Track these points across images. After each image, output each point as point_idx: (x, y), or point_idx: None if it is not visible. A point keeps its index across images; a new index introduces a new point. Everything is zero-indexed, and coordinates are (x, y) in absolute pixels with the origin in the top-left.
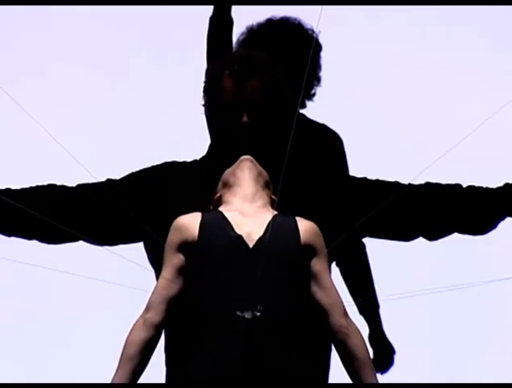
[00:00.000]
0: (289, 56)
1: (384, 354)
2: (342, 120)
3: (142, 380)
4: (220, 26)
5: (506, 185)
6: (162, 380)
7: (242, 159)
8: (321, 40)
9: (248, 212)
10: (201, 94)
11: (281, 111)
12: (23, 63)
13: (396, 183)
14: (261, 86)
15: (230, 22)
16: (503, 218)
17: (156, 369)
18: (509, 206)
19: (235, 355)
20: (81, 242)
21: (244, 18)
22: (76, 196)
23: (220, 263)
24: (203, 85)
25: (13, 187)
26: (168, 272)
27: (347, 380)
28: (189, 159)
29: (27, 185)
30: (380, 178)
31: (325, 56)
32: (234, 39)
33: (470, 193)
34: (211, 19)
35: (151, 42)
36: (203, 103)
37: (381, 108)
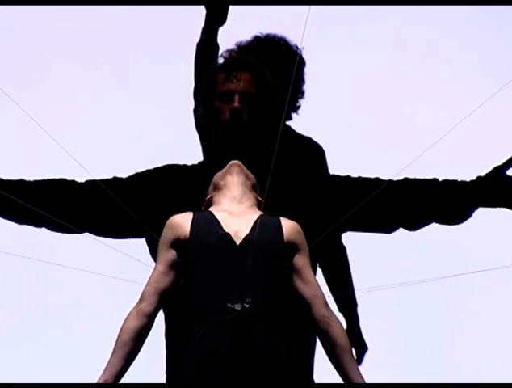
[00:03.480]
0: (275, 72)
1: (358, 350)
2: (329, 126)
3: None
4: (206, 51)
5: (478, 178)
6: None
7: (231, 164)
8: (305, 48)
9: (236, 212)
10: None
11: (270, 106)
12: (27, 69)
13: (377, 180)
14: (251, 78)
15: (216, 47)
16: (476, 208)
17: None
18: (481, 197)
19: (224, 343)
20: (85, 234)
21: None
22: (84, 191)
23: (210, 259)
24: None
25: (26, 179)
26: (161, 265)
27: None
28: (185, 161)
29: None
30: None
31: (309, 67)
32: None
33: (446, 186)
34: (199, 45)
35: (151, 46)
36: (196, 113)
37: (364, 115)
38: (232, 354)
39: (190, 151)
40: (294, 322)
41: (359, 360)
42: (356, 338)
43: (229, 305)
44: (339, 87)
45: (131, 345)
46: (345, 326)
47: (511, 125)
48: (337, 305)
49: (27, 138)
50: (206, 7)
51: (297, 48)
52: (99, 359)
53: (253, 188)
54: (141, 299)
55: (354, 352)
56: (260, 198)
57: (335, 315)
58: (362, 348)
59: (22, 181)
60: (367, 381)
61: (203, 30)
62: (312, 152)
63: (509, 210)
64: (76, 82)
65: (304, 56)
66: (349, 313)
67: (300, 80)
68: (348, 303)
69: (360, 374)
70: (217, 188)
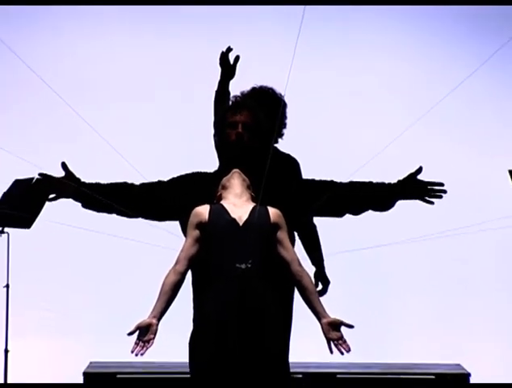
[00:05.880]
0: (266, 110)
1: (324, 284)
2: (302, 147)
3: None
4: (222, 95)
5: (398, 181)
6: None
7: (233, 171)
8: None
9: (238, 204)
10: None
11: (262, 132)
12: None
13: (332, 181)
14: (249, 114)
15: (228, 93)
16: (397, 200)
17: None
18: (400, 193)
19: (233, 292)
20: (140, 219)
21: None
22: (139, 189)
23: (222, 235)
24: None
25: (101, 182)
26: (189, 240)
27: None
28: (205, 169)
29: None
30: (322, 178)
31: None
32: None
33: (377, 185)
34: (216, 92)
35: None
36: (215, 137)
37: (326, 139)
38: (238, 299)
39: (211, 162)
40: (280, 278)
41: (325, 291)
42: (323, 278)
43: (237, 265)
44: (310, 121)
45: (169, 293)
46: (314, 271)
47: (425, 145)
48: (311, 260)
49: (101, 154)
50: (221, 67)
51: (281, 95)
52: (148, 304)
53: (248, 188)
54: (176, 262)
55: (320, 286)
56: (253, 194)
57: (305, 270)
58: (326, 283)
59: (98, 183)
60: (327, 309)
61: (219, 82)
62: (291, 164)
63: (421, 201)
64: (134, 111)
65: (286, 100)
66: (318, 264)
67: (283, 116)
68: (318, 259)
69: (322, 307)
70: (224, 188)
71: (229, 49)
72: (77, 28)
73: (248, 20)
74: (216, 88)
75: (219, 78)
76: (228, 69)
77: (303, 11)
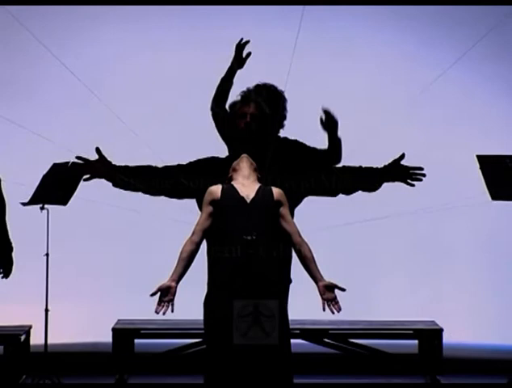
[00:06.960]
0: (268, 103)
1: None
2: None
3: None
4: (226, 82)
5: (384, 166)
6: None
7: (242, 156)
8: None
9: (246, 184)
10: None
11: (266, 122)
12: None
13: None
14: (256, 106)
15: (231, 83)
16: (383, 182)
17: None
18: (386, 176)
19: (241, 259)
20: (162, 197)
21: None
22: (161, 171)
23: (232, 211)
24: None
25: (129, 165)
26: (204, 214)
27: None
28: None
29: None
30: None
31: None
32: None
33: (366, 169)
34: (222, 79)
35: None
36: (217, 126)
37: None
38: (245, 266)
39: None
40: (281, 247)
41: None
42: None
43: (244, 236)
44: (308, 114)
45: (186, 260)
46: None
47: (408, 134)
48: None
49: (129, 142)
50: (234, 56)
51: (282, 91)
52: (168, 270)
53: (255, 170)
54: (193, 233)
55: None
56: (259, 175)
57: (305, 241)
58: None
59: (127, 166)
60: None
61: (229, 69)
62: (291, 142)
63: (403, 183)
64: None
65: (286, 95)
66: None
67: (284, 109)
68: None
69: (319, 272)
70: (235, 170)
71: (246, 42)
72: (112, 26)
73: (251, 20)
74: (222, 76)
75: (229, 64)
76: (239, 59)
77: (302, 11)
